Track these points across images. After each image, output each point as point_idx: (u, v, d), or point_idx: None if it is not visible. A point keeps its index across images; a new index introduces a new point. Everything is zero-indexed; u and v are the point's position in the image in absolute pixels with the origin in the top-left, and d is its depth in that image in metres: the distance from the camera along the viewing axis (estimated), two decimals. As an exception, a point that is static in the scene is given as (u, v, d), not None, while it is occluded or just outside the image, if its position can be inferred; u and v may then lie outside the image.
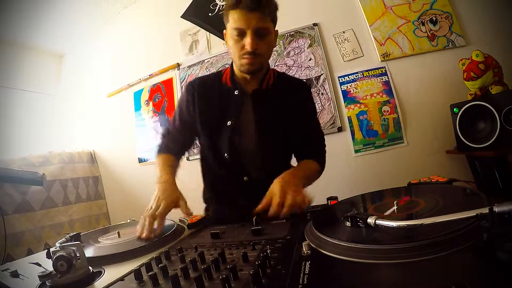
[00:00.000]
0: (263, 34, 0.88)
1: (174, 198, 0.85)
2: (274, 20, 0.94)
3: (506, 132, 1.23)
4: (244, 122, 0.99)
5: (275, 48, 2.00)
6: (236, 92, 1.00)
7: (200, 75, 2.20)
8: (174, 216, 0.95)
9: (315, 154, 1.05)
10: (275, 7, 0.93)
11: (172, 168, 1.00)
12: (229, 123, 0.98)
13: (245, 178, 1.00)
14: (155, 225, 0.76)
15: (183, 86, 1.11)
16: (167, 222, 0.88)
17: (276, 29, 0.99)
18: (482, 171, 1.48)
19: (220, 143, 1.00)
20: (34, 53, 2.54)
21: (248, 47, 0.86)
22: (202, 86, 1.04)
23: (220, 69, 1.13)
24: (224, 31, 0.97)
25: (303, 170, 0.97)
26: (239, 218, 0.79)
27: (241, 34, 0.87)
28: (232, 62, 1.02)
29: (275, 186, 0.81)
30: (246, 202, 0.95)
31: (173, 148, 1.07)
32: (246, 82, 1.01)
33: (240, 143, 0.99)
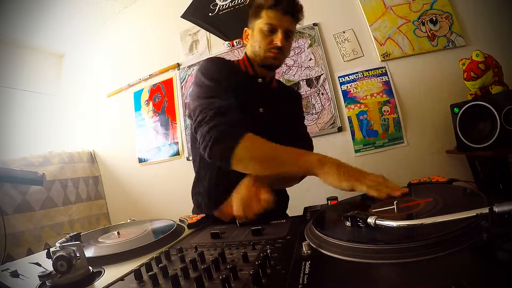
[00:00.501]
0: (289, 36, 0.98)
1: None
2: (295, 29, 1.02)
3: (506, 132, 1.23)
4: (270, 111, 0.99)
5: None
6: (260, 80, 1.01)
7: (200, 75, 2.20)
8: (174, 216, 0.96)
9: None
10: (302, 17, 1.01)
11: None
12: (261, 110, 0.98)
13: None
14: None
15: (207, 61, 0.95)
16: (167, 222, 0.88)
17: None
18: (482, 171, 1.48)
19: (252, 130, 0.80)
20: (34, 53, 2.54)
21: (278, 42, 0.93)
22: (232, 67, 1.00)
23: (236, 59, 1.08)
24: (246, 28, 1.03)
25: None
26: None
27: (272, 30, 0.94)
28: (246, 55, 1.02)
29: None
30: None
31: (242, 124, 0.80)
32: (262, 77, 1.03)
33: (270, 132, 0.82)
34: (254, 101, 0.97)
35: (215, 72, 0.91)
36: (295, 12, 0.97)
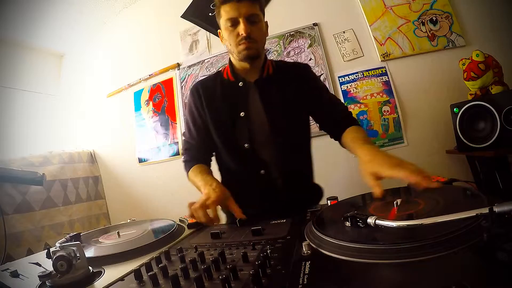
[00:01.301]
0: (254, 20, 0.94)
1: (225, 194, 0.82)
2: (262, 10, 0.98)
3: (506, 132, 1.22)
4: (254, 112, 1.00)
5: (275, 48, 2.02)
6: (240, 84, 1.02)
7: (200, 75, 2.21)
8: (175, 216, 0.96)
9: (351, 120, 1.01)
10: None
11: (211, 174, 0.98)
12: (242, 114, 0.99)
13: (262, 171, 0.99)
14: (210, 213, 0.75)
15: (188, 93, 1.08)
16: (167, 222, 0.88)
17: (265, 20, 1.02)
18: (482, 171, 1.48)
19: (237, 135, 0.99)
20: (34, 53, 2.54)
21: (242, 31, 0.91)
22: (205, 87, 1.06)
23: (219, 69, 1.12)
24: (219, 30, 1.02)
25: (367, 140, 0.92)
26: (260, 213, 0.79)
27: (234, 23, 0.93)
28: (229, 59, 1.06)
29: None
30: (263, 198, 0.98)
31: (200, 157, 1.04)
32: (247, 73, 1.03)
33: (256, 132, 0.99)
34: (235, 107, 1.00)
35: (189, 105, 1.10)
36: None
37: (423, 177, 0.60)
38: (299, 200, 0.88)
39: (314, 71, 1.90)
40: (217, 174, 1.06)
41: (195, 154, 1.05)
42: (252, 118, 1.00)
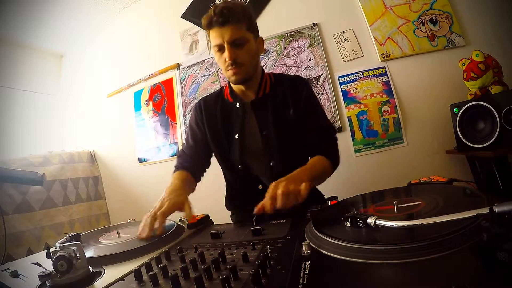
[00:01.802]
0: (240, 43, 0.92)
1: (179, 200, 0.84)
2: (251, 29, 0.96)
3: (506, 132, 1.22)
4: (249, 133, 1.03)
5: (275, 48, 2.02)
6: (237, 105, 1.04)
7: (200, 75, 2.21)
8: (175, 216, 0.96)
9: (323, 148, 1.00)
10: (248, 16, 0.95)
11: (184, 179, 1.01)
12: (236, 136, 1.03)
13: (259, 186, 1.03)
14: (156, 224, 0.75)
15: (191, 109, 1.20)
16: (167, 222, 0.88)
17: (260, 36, 1.02)
18: (482, 171, 1.48)
19: (232, 156, 1.04)
20: (34, 53, 2.54)
21: (227, 58, 0.92)
22: (207, 105, 1.10)
23: (222, 86, 1.16)
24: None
25: (308, 168, 0.91)
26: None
27: (220, 49, 0.94)
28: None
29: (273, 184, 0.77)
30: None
31: (188, 167, 1.07)
32: (244, 94, 1.05)
33: (249, 154, 1.03)
34: (231, 128, 1.04)
35: (191, 119, 1.15)
36: (232, 18, 0.90)
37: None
38: (299, 212, 0.88)
39: (314, 71, 1.92)
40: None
41: (185, 163, 1.08)
42: (246, 139, 1.03)
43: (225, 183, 1.22)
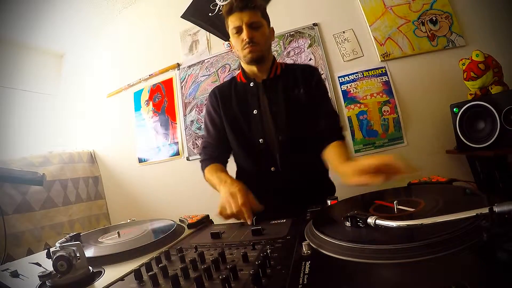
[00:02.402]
0: (256, 26, 1.04)
1: (244, 188, 0.86)
2: (264, 16, 1.08)
3: (506, 132, 1.22)
4: (264, 110, 1.09)
5: (275, 48, 2.02)
6: (251, 84, 1.12)
7: (200, 75, 2.21)
8: (174, 216, 0.96)
9: (335, 130, 1.05)
10: (263, 6, 1.08)
11: (226, 172, 1.04)
12: (255, 111, 1.08)
13: (272, 168, 1.06)
14: (247, 214, 0.78)
15: (205, 103, 1.25)
16: (167, 222, 0.88)
17: (271, 26, 1.13)
18: (482, 171, 1.48)
19: (251, 132, 1.08)
20: (34, 53, 2.54)
21: (245, 37, 1.02)
22: (221, 91, 1.17)
23: (234, 75, 1.23)
24: (229, 40, 1.13)
25: (348, 157, 0.92)
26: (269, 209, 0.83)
27: (239, 31, 1.04)
28: (240, 65, 1.16)
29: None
30: (273, 193, 1.02)
31: (217, 156, 1.11)
32: (256, 76, 1.12)
33: (266, 129, 1.07)
34: (248, 106, 1.10)
35: (207, 108, 1.19)
36: (250, 4, 1.02)
37: (403, 164, 0.65)
38: (308, 196, 0.89)
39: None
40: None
41: (212, 153, 1.13)
42: (263, 115, 1.08)
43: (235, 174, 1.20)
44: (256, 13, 1.03)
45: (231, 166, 1.17)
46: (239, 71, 1.18)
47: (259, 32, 1.04)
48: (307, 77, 1.10)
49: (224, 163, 1.12)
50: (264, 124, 1.07)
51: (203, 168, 1.11)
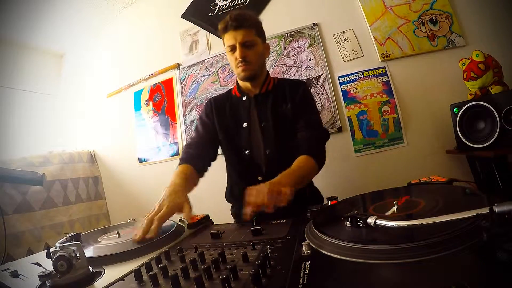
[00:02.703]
0: (250, 45, 1.08)
1: (178, 202, 0.82)
2: (259, 34, 1.12)
3: (506, 132, 1.22)
4: (253, 123, 1.14)
5: (275, 48, 2.02)
6: (244, 99, 1.17)
7: (200, 75, 2.21)
8: (175, 216, 0.95)
9: (311, 149, 1.04)
10: (257, 24, 1.12)
11: (186, 176, 1.00)
12: (245, 124, 1.14)
13: (259, 177, 1.09)
14: (152, 227, 0.74)
15: (200, 108, 1.33)
16: (167, 222, 0.88)
17: (267, 42, 1.18)
18: (482, 171, 1.48)
19: (240, 143, 1.14)
20: (34, 53, 2.54)
21: (238, 56, 1.06)
22: (216, 101, 1.23)
23: (230, 88, 1.29)
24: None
25: (292, 172, 0.94)
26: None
27: (233, 49, 1.09)
28: (236, 79, 1.21)
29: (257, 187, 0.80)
30: None
31: (194, 159, 1.09)
32: (250, 90, 1.18)
33: (254, 142, 1.12)
34: (240, 119, 1.16)
35: (202, 113, 1.25)
36: (244, 24, 1.06)
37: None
38: (294, 206, 0.89)
39: (314, 71, 1.92)
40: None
41: (192, 151, 1.12)
42: (251, 128, 1.13)
43: (226, 182, 1.27)
44: (250, 32, 1.07)
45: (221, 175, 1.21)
46: (234, 85, 1.23)
47: (252, 51, 1.08)
48: (293, 93, 1.15)
49: (198, 167, 1.08)
50: (252, 137, 1.12)
51: (178, 164, 1.09)
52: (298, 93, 1.14)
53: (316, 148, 1.06)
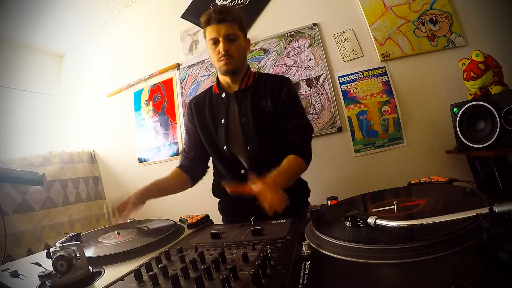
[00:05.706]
0: (232, 38, 1.07)
1: (134, 199, 0.99)
2: (242, 29, 1.12)
3: (506, 132, 1.22)
4: (232, 120, 1.14)
5: (275, 48, 2.02)
6: (223, 95, 1.17)
7: (200, 75, 2.21)
8: (175, 216, 0.96)
9: (300, 148, 1.06)
10: (240, 18, 1.11)
11: (162, 181, 1.16)
12: (222, 121, 1.14)
13: (242, 171, 1.11)
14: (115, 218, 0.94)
15: (186, 103, 1.40)
16: (167, 222, 0.88)
17: (248, 37, 1.17)
18: (482, 171, 1.48)
19: (218, 139, 1.14)
20: (34, 53, 2.54)
21: (221, 49, 1.05)
22: (196, 102, 1.24)
23: (211, 86, 1.28)
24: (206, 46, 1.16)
25: (283, 171, 0.95)
26: (240, 210, 0.88)
27: (215, 42, 1.07)
28: (217, 75, 1.21)
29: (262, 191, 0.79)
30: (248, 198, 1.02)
31: (187, 164, 1.22)
32: (229, 86, 1.17)
33: (233, 138, 1.12)
34: (218, 115, 1.16)
35: (186, 117, 1.32)
36: (227, 17, 1.05)
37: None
38: (296, 208, 0.89)
39: (314, 71, 1.92)
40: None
41: (184, 161, 1.24)
42: (230, 125, 1.13)
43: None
44: (233, 26, 1.07)
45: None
46: (214, 82, 1.22)
47: (235, 45, 1.08)
48: (276, 89, 1.13)
49: (190, 171, 1.20)
50: (229, 133, 1.12)
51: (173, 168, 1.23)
52: (282, 91, 1.12)
53: (307, 149, 1.10)
